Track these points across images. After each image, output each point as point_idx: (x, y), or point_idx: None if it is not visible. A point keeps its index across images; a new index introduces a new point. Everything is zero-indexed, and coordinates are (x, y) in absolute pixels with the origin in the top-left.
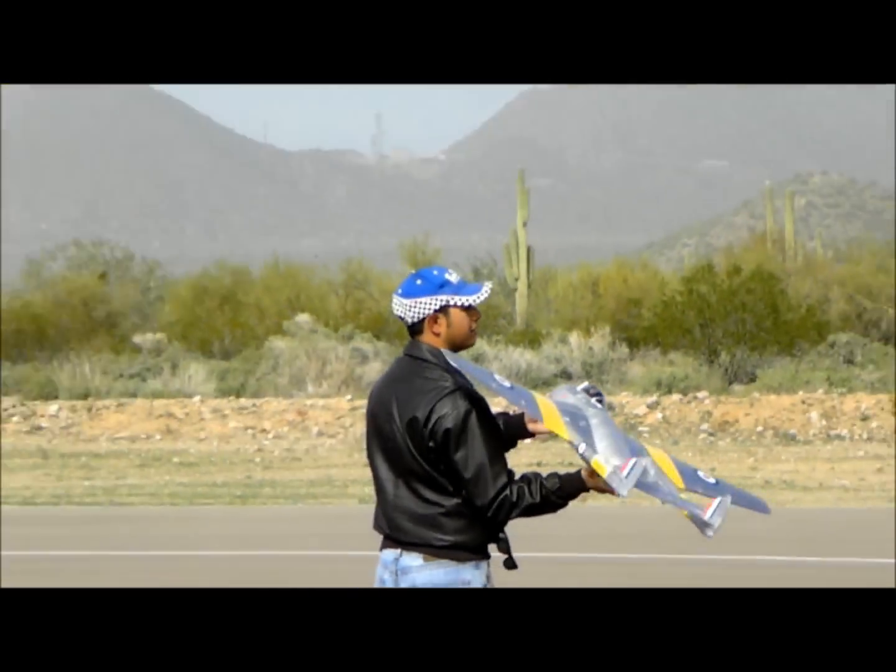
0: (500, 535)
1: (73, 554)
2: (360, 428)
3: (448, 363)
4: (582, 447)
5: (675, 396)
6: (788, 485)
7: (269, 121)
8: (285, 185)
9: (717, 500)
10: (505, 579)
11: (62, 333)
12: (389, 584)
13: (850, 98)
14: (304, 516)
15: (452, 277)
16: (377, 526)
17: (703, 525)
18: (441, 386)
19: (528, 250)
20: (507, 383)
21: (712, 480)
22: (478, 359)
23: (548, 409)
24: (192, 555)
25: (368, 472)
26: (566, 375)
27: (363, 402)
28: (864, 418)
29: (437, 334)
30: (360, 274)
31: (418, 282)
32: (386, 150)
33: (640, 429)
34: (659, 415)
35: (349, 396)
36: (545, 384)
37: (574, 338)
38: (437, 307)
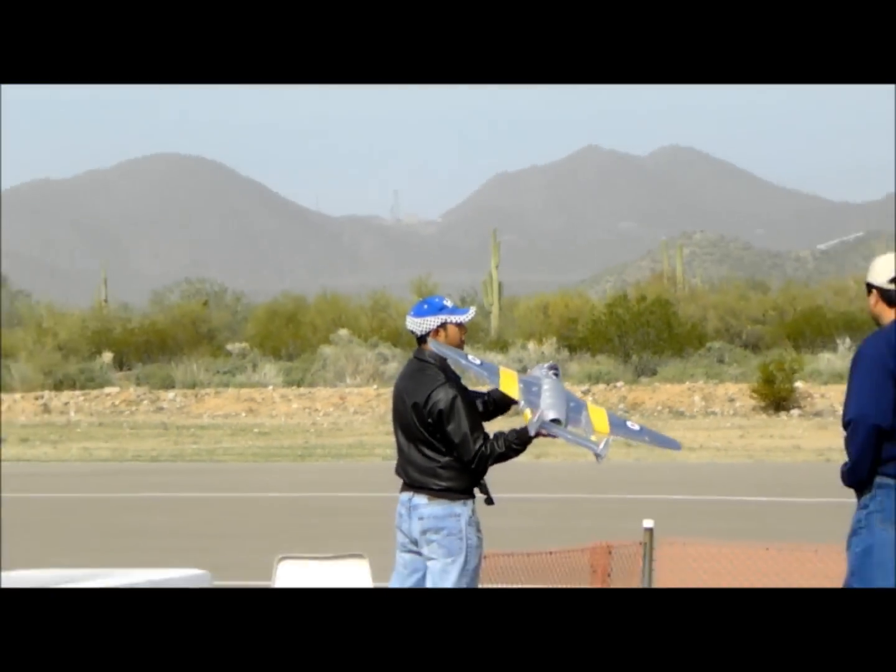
0: (481, 481)
1: (187, 495)
2: (385, 408)
3: (444, 362)
4: (521, 405)
5: (601, 386)
6: None
7: (319, 195)
8: (331, 240)
9: (607, 438)
10: (486, 514)
11: (177, 343)
12: (404, 516)
13: (721, 180)
14: (344, 469)
15: (448, 303)
16: (398, 472)
17: (596, 455)
18: (436, 379)
19: (499, 285)
20: (477, 361)
21: (637, 427)
22: None
23: (507, 378)
24: (267, 495)
25: (391, 439)
26: (525, 371)
27: (386, 390)
28: (731, 400)
29: (431, 342)
30: (382, 301)
31: (425, 306)
32: (401, 215)
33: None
34: (590, 398)
35: (375, 386)
36: None
37: (531, 345)
38: (439, 324)
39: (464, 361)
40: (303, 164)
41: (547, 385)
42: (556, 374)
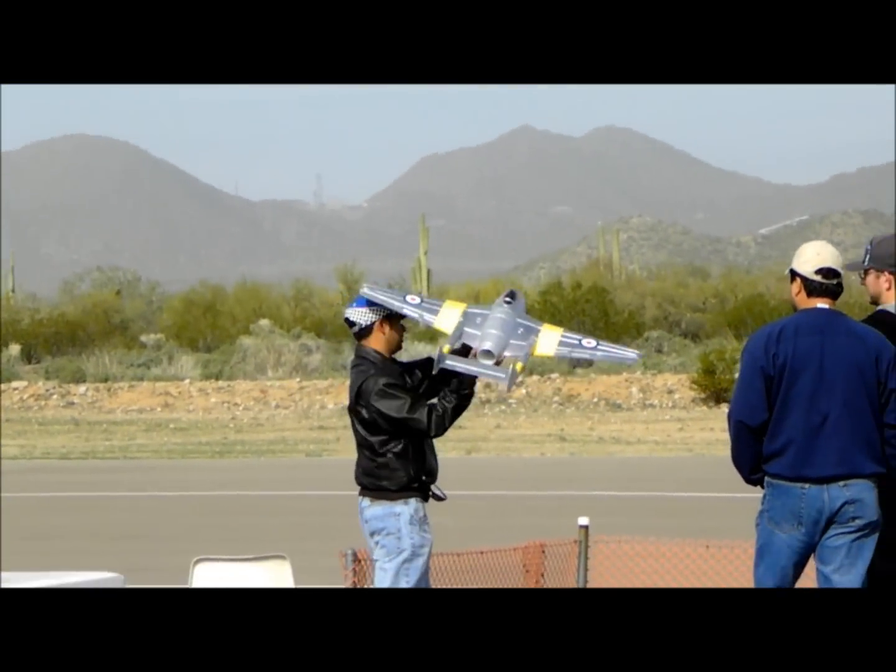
0: (423, 477)
1: (98, 494)
2: (308, 402)
3: (373, 357)
4: (445, 347)
5: (535, 377)
6: (616, 440)
7: (238, 178)
8: (251, 226)
9: (512, 368)
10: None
11: (88, 335)
12: (360, 520)
13: (659, 163)
14: (266, 466)
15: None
16: (354, 477)
17: (499, 381)
18: (366, 373)
19: (428, 272)
20: (416, 300)
21: (592, 344)
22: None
23: (447, 314)
24: (184, 494)
25: (314, 434)
26: None
27: (309, 383)
28: (670, 392)
29: (381, 336)
30: (305, 290)
31: (359, 299)
32: (324, 199)
33: (510, 401)
34: (524, 390)
35: (298, 379)
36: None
37: None
38: (383, 315)
39: (397, 303)
40: (221, 146)
41: (494, 314)
42: (509, 301)
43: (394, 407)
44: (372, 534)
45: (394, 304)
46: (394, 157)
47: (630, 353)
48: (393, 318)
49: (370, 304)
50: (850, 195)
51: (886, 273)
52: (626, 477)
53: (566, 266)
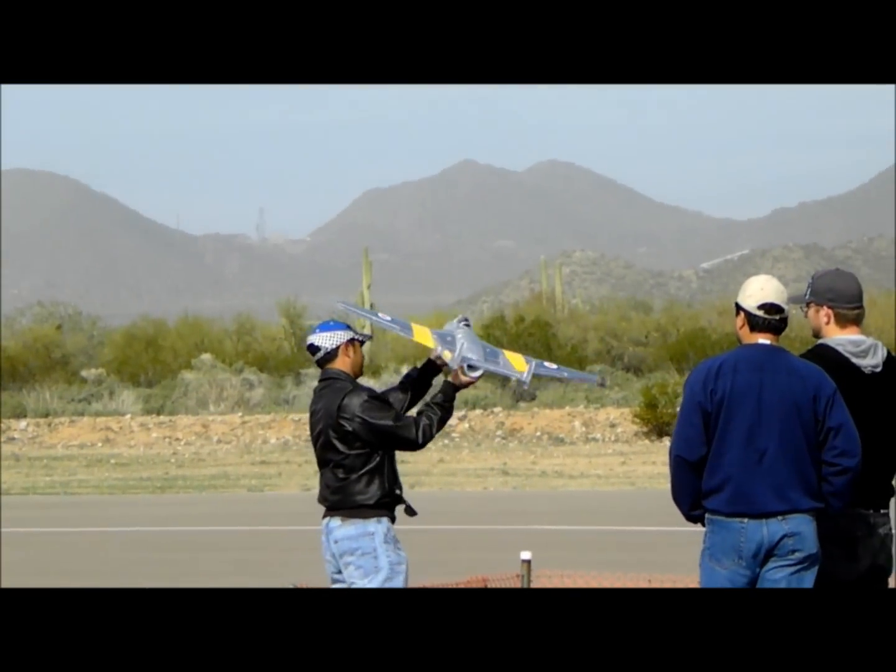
0: (397, 491)
1: (38, 530)
2: (250, 437)
3: (344, 376)
4: (438, 349)
5: (478, 411)
6: (559, 474)
7: (180, 213)
8: (193, 260)
9: (529, 367)
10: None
11: (29, 369)
12: (325, 543)
13: (602, 197)
14: (207, 501)
15: (356, 325)
16: (319, 500)
17: (520, 382)
18: (345, 388)
19: (372, 306)
20: (388, 317)
21: (554, 366)
22: None
23: (419, 331)
24: (125, 530)
25: (256, 469)
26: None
27: (251, 418)
28: (612, 426)
29: (347, 358)
30: (248, 324)
31: (332, 323)
32: (266, 233)
33: (453, 435)
34: (466, 424)
35: (240, 413)
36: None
37: (404, 368)
38: (348, 339)
39: (375, 318)
40: (161, 180)
41: (461, 334)
42: (468, 326)
43: (383, 417)
44: (342, 554)
45: (370, 318)
46: (336, 191)
47: (591, 375)
48: (356, 342)
49: (333, 328)
50: (790, 229)
51: (825, 307)
52: (568, 511)
53: (509, 300)
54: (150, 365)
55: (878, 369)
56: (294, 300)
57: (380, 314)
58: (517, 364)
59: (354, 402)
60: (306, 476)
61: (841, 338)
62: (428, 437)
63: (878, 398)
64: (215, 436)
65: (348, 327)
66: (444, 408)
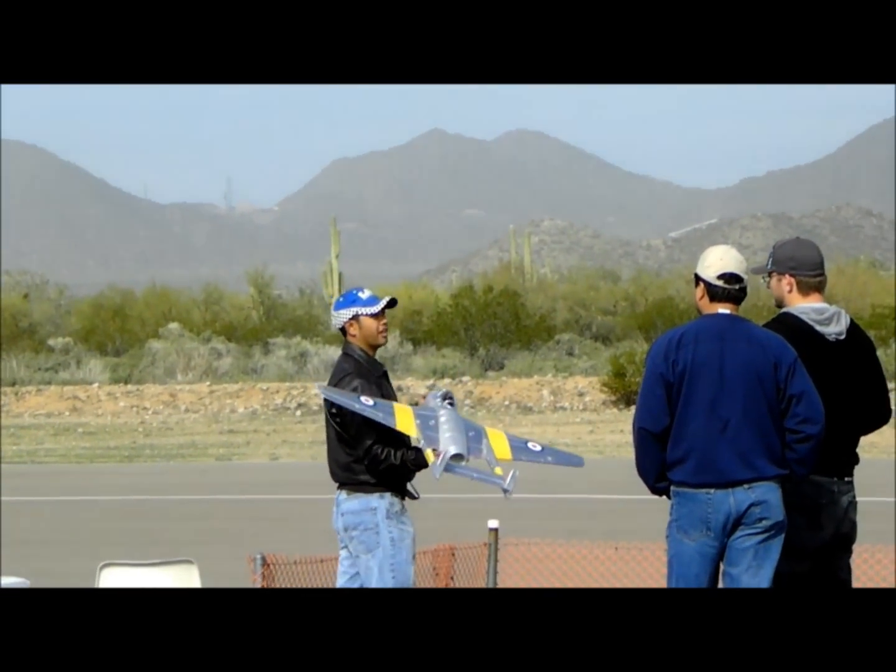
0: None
1: (5, 499)
2: (217, 406)
3: (357, 355)
4: (421, 443)
5: (447, 380)
6: None
7: (148, 182)
8: (161, 229)
9: (513, 472)
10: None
11: None
12: (334, 514)
13: (571, 166)
14: (174, 470)
15: (364, 294)
16: (330, 473)
17: (504, 490)
18: (342, 371)
19: (340, 276)
20: (370, 402)
21: (538, 448)
22: (303, 355)
23: (402, 416)
24: (92, 499)
25: (224, 438)
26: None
27: (219, 387)
28: (581, 394)
29: (354, 336)
30: (215, 293)
31: (340, 299)
32: (234, 203)
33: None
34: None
35: (208, 382)
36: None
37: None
38: (350, 316)
39: (357, 405)
40: (129, 149)
41: (444, 417)
42: (452, 404)
43: (349, 418)
44: (346, 528)
45: (351, 405)
46: (304, 160)
47: (578, 458)
48: (360, 317)
49: (339, 306)
50: (758, 198)
51: (787, 276)
52: (536, 479)
53: (478, 269)
54: (117, 334)
55: (842, 337)
56: (262, 269)
57: (362, 398)
58: (499, 449)
59: (343, 389)
60: (274, 445)
61: (804, 306)
62: (372, 465)
63: (841, 366)
64: (183, 405)
65: (354, 301)
66: (407, 468)
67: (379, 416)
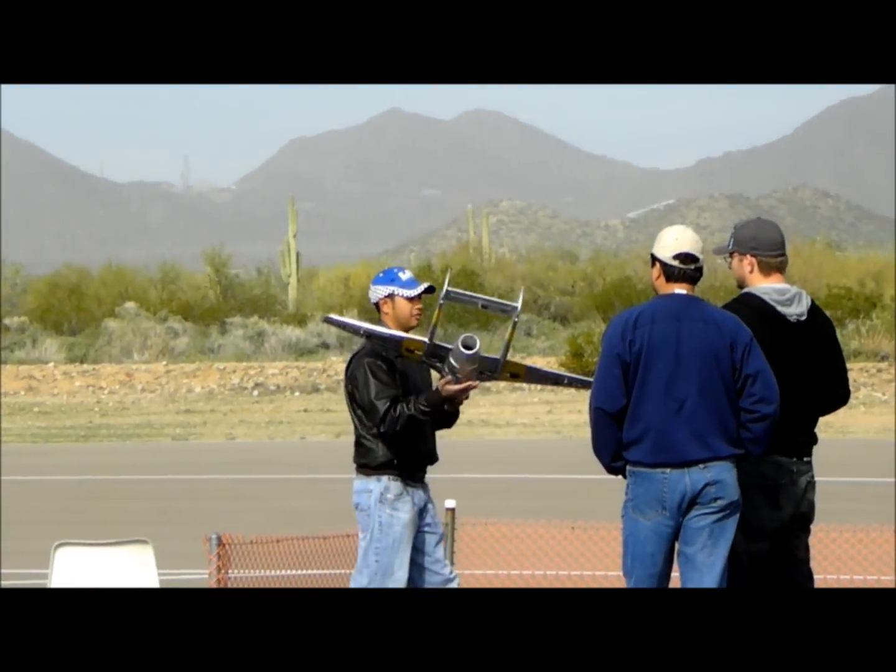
0: (402, 461)
1: None
2: (174, 386)
3: (381, 335)
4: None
5: None
6: (485, 423)
7: (105, 160)
8: (117, 208)
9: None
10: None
11: None
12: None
13: (529, 146)
14: (130, 450)
15: (404, 275)
16: None
17: (512, 308)
18: (361, 349)
19: (297, 255)
20: (382, 330)
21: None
22: (260, 334)
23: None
24: (48, 479)
25: (180, 418)
26: (325, 346)
27: (176, 367)
28: None
29: (387, 314)
30: (172, 273)
31: (380, 275)
32: (192, 181)
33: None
34: None
35: (165, 362)
36: (310, 352)
37: None
38: (386, 294)
39: (362, 326)
40: (86, 127)
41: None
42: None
43: (364, 389)
44: (354, 507)
45: (358, 331)
46: (262, 139)
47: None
48: (398, 295)
49: (376, 282)
50: (715, 179)
51: (749, 256)
52: (494, 459)
53: (436, 249)
54: (73, 313)
55: (803, 318)
56: (219, 249)
57: (371, 325)
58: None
59: (353, 365)
60: (231, 425)
61: (766, 286)
62: (391, 427)
63: (802, 346)
64: (139, 384)
65: (393, 280)
66: (422, 411)
67: (385, 332)
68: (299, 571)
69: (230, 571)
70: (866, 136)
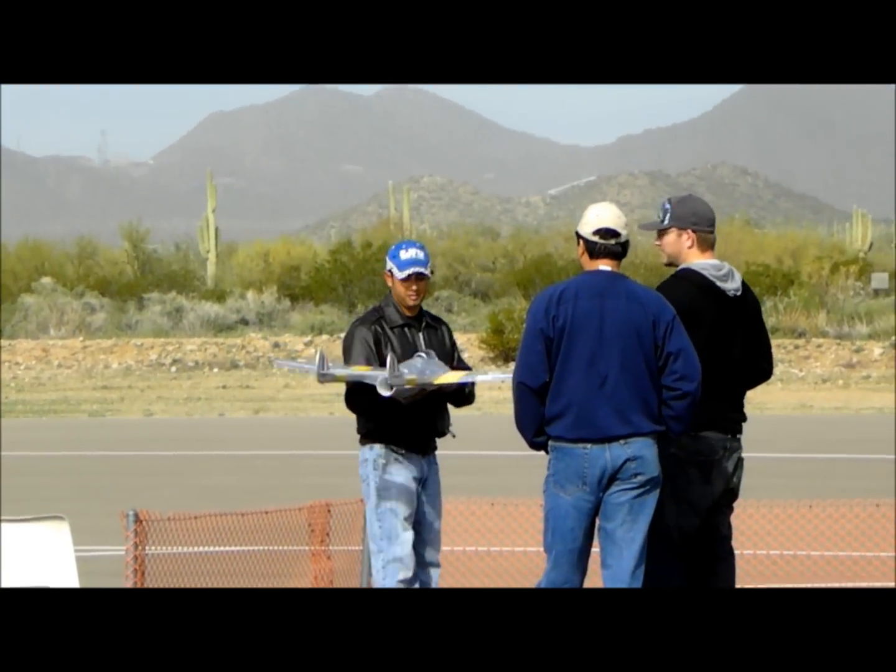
0: (390, 429)
1: None
2: (91, 362)
3: (387, 303)
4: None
5: (325, 336)
6: None
7: (20, 134)
8: (33, 182)
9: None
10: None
11: None
12: None
13: (450, 122)
14: (47, 426)
15: (406, 254)
16: None
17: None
18: (358, 318)
19: (216, 230)
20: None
21: (486, 376)
22: (178, 310)
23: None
24: None
25: (97, 394)
26: (244, 322)
27: (92, 342)
28: (460, 351)
29: (391, 287)
30: (89, 248)
31: (392, 246)
32: (109, 156)
33: (300, 359)
34: (312, 350)
35: (81, 338)
36: (229, 329)
37: (250, 294)
38: (387, 269)
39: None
40: (2, 100)
41: (417, 362)
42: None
43: (345, 356)
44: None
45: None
46: (180, 113)
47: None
48: (393, 274)
49: (388, 254)
50: (636, 156)
51: (689, 231)
52: None
53: (357, 225)
54: None
55: (739, 293)
56: (137, 224)
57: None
58: (448, 379)
59: (348, 331)
60: (148, 401)
61: (704, 262)
62: (348, 403)
63: (739, 321)
64: (56, 360)
65: (395, 256)
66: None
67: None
68: (217, 548)
69: (147, 548)
70: (785, 114)
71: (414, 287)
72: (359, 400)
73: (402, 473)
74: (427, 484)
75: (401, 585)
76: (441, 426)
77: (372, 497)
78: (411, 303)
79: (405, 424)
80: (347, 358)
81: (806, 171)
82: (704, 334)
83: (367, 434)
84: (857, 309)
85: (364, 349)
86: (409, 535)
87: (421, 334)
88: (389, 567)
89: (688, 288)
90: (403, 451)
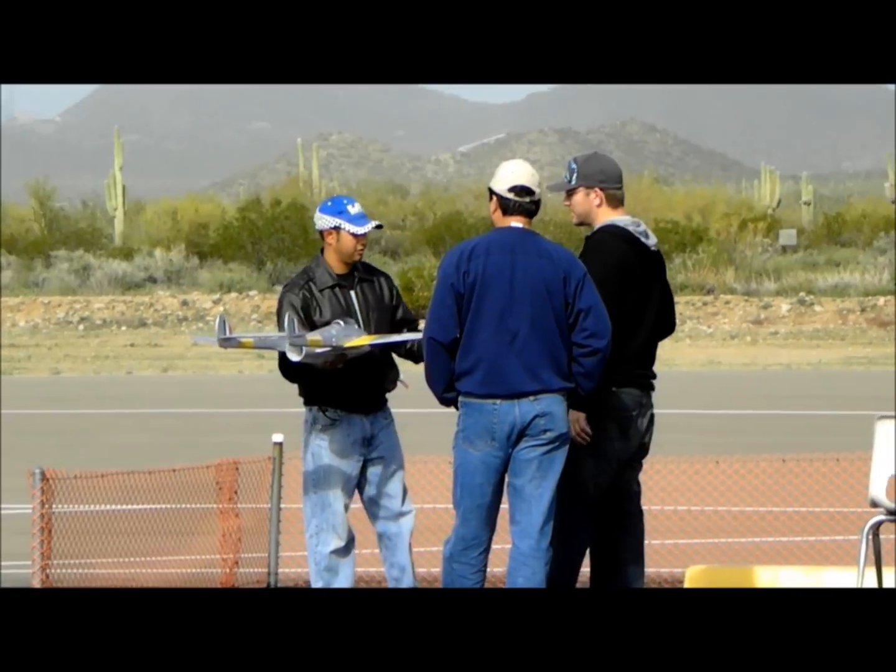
0: (324, 392)
1: None
2: None
3: (317, 263)
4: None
5: (234, 294)
6: None
7: None
8: None
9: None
10: None
11: None
12: None
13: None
14: None
15: (353, 209)
16: None
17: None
18: (289, 281)
19: (124, 188)
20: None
21: (399, 337)
22: (86, 268)
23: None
24: None
25: (4, 352)
26: (152, 280)
27: None
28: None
29: (330, 245)
30: None
31: (329, 203)
32: (14, 113)
33: (207, 318)
34: (221, 308)
35: None
36: (137, 287)
37: (158, 252)
38: (332, 226)
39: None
40: None
41: (334, 328)
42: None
43: (278, 319)
44: None
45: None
46: None
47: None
48: (344, 230)
49: (326, 210)
50: (545, 113)
51: (597, 189)
52: None
53: (265, 183)
54: None
55: (656, 248)
56: (43, 181)
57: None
58: (362, 341)
59: (280, 295)
60: (56, 360)
61: (622, 218)
62: (280, 367)
63: (657, 276)
64: None
65: (341, 212)
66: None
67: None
68: (123, 506)
69: (54, 506)
70: None
71: (364, 242)
72: (287, 368)
73: (339, 438)
74: (375, 440)
75: (333, 556)
76: (386, 383)
77: (307, 461)
78: (359, 257)
79: (342, 386)
80: (280, 325)
81: (715, 128)
82: (636, 289)
83: (306, 398)
84: (765, 265)
85: (292, 315)
86: (339, 508)
87: (353, 292)
88: (322, 535)
89: (619, 244)
90: (343, 413)
